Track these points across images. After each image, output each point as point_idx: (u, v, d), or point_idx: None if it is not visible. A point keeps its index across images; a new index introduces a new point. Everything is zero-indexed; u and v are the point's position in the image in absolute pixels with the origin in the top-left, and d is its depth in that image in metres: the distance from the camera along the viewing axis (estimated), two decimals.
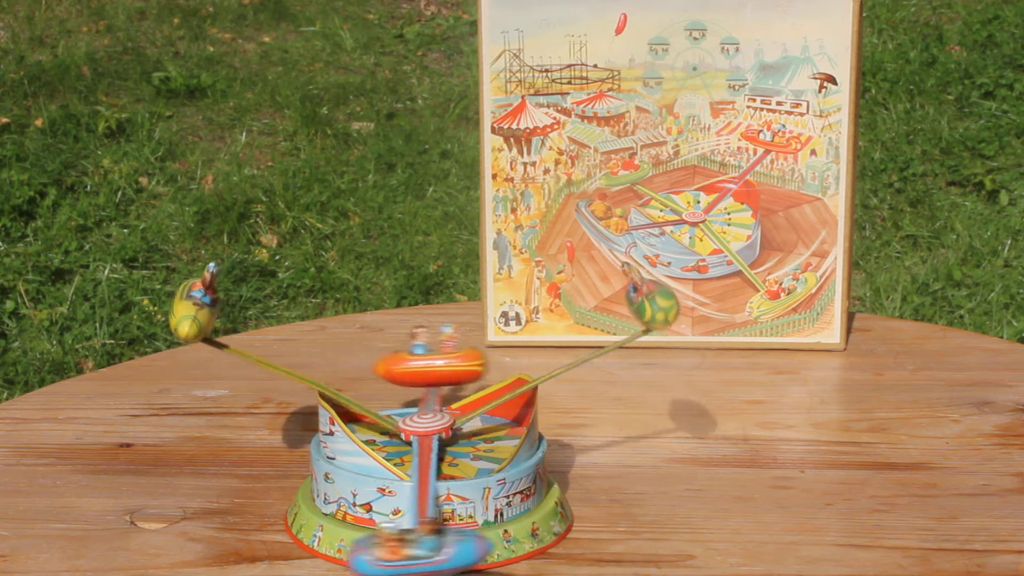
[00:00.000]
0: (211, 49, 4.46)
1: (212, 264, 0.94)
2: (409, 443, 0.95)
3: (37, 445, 1.09)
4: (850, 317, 1.33)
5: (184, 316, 0.90)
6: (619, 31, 1.24)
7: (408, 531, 0.80)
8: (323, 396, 0.96)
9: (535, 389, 0.99)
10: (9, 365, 2.76)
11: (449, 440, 0.97)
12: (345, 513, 0.92)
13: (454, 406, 1.00)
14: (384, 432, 0.98)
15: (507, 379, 1.02)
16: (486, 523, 0.91)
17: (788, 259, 1.27)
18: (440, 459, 0.95)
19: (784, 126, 1.25)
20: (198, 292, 0.92)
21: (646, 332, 0.96)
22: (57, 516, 0.97)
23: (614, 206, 1.27)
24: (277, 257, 3.23)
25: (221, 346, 0.97)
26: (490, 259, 1.29)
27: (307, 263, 3.20)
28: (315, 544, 0.92)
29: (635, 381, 1.21)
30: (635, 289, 0.95)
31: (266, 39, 4.59)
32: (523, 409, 1.01)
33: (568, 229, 1.28)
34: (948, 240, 3.29)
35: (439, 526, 0.81)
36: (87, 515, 0.98)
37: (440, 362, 1.01)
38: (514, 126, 1.26)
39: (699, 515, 0.97)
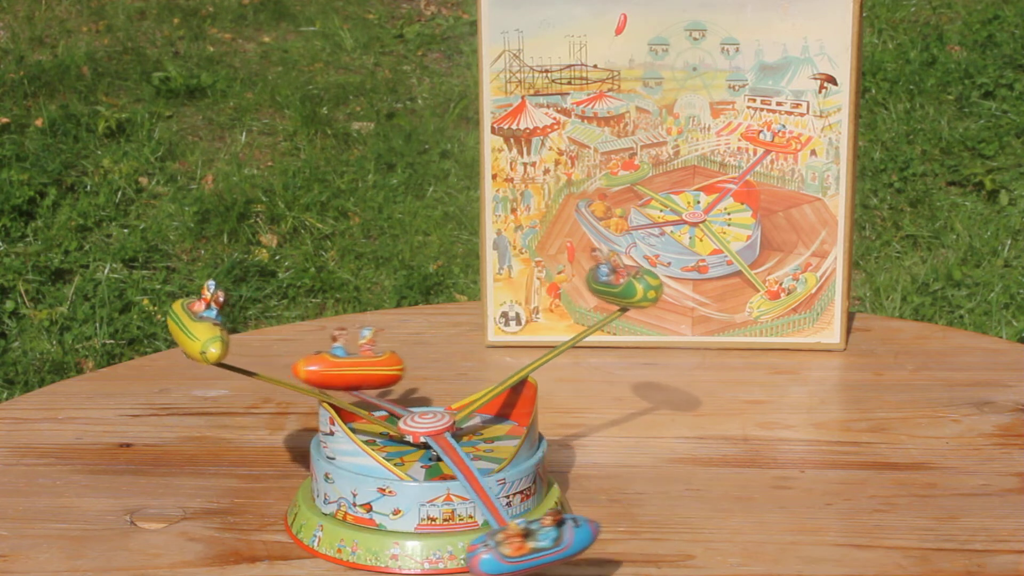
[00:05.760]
0: (211, 49, 4.46)
1: (211, 282, 0.91)
2: (414, 444, 0.95)
3: (37, 445, 1.09)
4: (850, 317, 1.33)
5: (211, 339, 0.86)
6: (619, 31, 1.24)
7: (529, 525, 0.82)
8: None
9: (535, 390, 1.00)
10: (9, 365, 2.76)
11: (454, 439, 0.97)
12: (345, 513, 0.92)
13: (454, 406, 1.00)
14: (384, 432, 0.98)
15: (507, 379, 1.02)
16: (486, 523, 0.91)
17: (788, 259, 1.27)
18: (439, 459, 0.95)
19: (784, 126, 1.25)
20: (211, 312, 0.88)
21: (624, 311, 0.98)
22: (57, 516, 0.97)
23: (614, 206, 1.27)
24: (277, 257, 3.23)
25: (250, 374, 0.93)
26: (490, 259, 1.29)
27: (307, 263, 3.20)
28: (315, 544, 0.92)
29: (635, 381, 1.21)
30: (613, 271, 0.97)
31: (266, 39, 4.59)
32: (523, 409, 1.01)
33: (568, 229, 1.28)
34: (948, 240, 3.29)
35: (558, 516, 0.83)
36: (87, 515, 0.98)
37: (359, 366, 1.00)
38: (514, 126, 1.26)
39: (699, 515, 0.97)
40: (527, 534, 0.82)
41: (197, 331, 0.86)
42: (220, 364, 0.88)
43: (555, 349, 1.01)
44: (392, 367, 1.02)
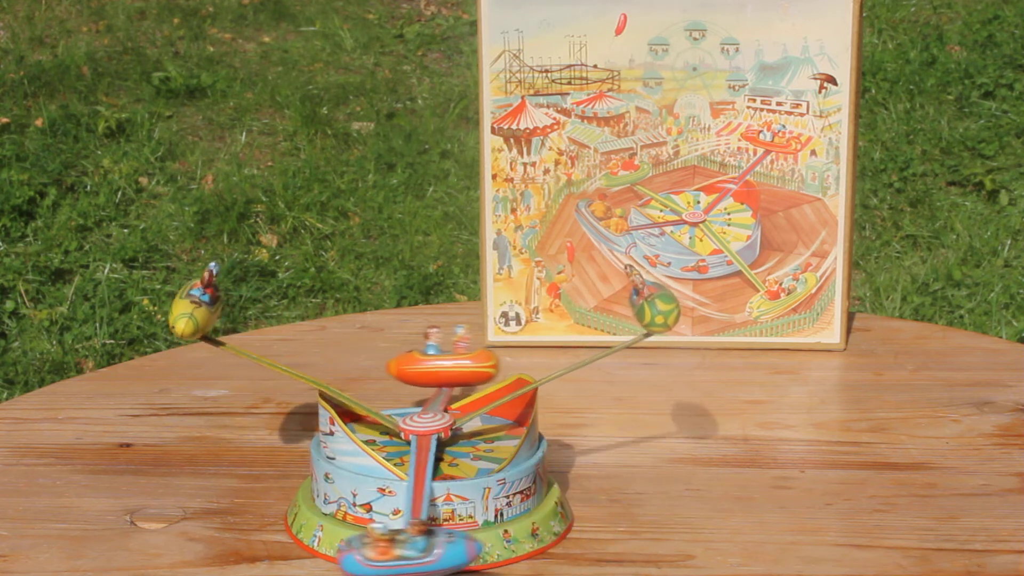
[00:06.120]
0: (211, 49, 4.46)
1: (213, 263, 0.95)
2: (408, 442, 0.95)
3: (37, 445, 1.09)
4: (850, 317, 1.33)
5: (181, 314, 0.91)
6: (619, 31, 1.24)
7: (398, 531, 0.80)
8: (323, 396, 0.96)
9: (535, 390, 1.00)
10: (9, 365, 2.76)
11: (449, 441, 0.97)
12: (345, 513, 0.92)
13: (454, 406, 1.00)
14: (384, 432, 0.98)
15: (507, 379, 1.02)
16: (486, 523, 0.91)
17: (788, 259, 1.27)
18: (439, 459, 0.95)
19: (784, 126, 1.25)
20: (197, 291, 0.93)
21: (647, 335, 0.95)
22: (57, 516, 0.97)
23: (614, 206, 1.27)
24: (277, 257, 3.23)
25: (219, 343, 0.97)
26: (490, 259, 1.29)
27: (307, 263, 3.20)
28: (315, 544, 0.92)
29: (635, 381, 1.21)
30: (636, 292, 0.95)
31: (266, 39, 4.59)
32: (523, 409, 1.01)
33: (568, 229, 1.28)
34: (948, 240, 3.29)
35: (429, 527, 0.81)
36: (87, 515, 0.98)
37: (451, 363, 1.01)
38: (514, 126, 1.26)
39: (699, 515, 0.97)
40: (393, 540, 0.80)
41: (177, 307, 0.92)
42: (203, 339, 0.94)
43: (578, 363, 0.99)
44: (484, 364, 1.01)
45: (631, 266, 0.97)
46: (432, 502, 0.90)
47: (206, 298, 0.93)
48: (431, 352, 1.02)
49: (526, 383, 1.00)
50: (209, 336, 0.95)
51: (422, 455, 0.92)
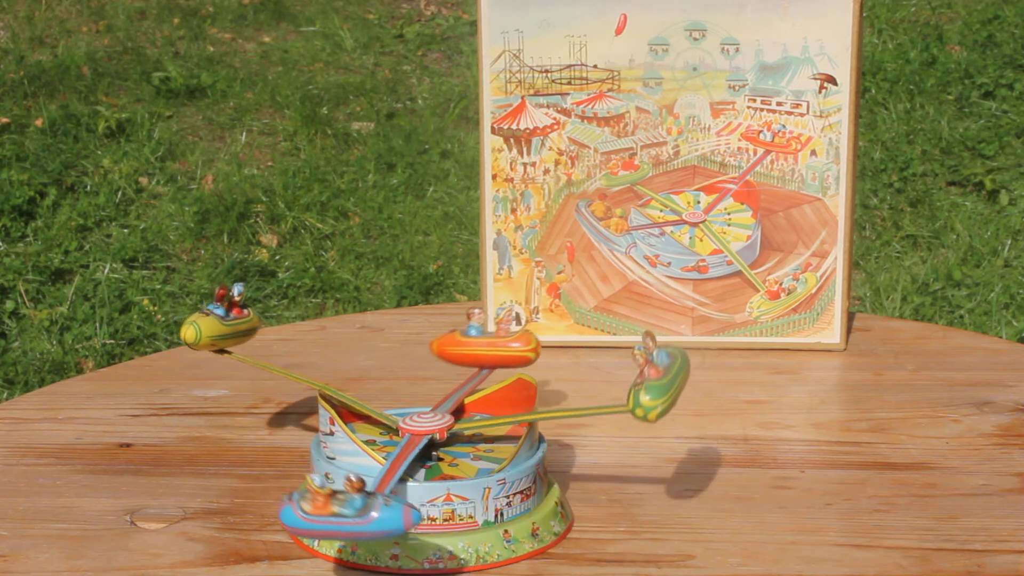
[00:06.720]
0: (211, 49, 4.46)
1: (237, 285, 1.06)
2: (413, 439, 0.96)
3: (37, 445, 1.09)
4: (850, 317, 1.33)
5: (188, 321, 1.03)
6: (619, 31, 1.24)
7: (337, 490, 0.80)
8: (323, 396, 0.96)
9: (535, 390, 1.00)
10: (9, 365, 2.76)
11: (446, 442, 0.97)
12: None
13: (467, 425, 0.99)
14: (384, 432, 0.98)
15: (507, 380, 1.02)
16: (486, 523, 0.91)
17: (788, 259, 1.27)
18: (439, 459, 0.95)
19: (784, 126, 1.25)
20: (213, 304, 1.04)
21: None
22: (57, 516, 0.97)
23: (614, 206, 1.27)
24: (277, 257, 3.24)
25: (225, 351, 1.05)
26: (490, 259, 1.29)
27: (307, 263, 3.20)
28: (315, 544, 0.92)
29: None
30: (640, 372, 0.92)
31: (266, 39, 4.59)
32: (524, 410, 1.01)
33: (568, 229, 1.28)
34: (948, 240, 3.29)
35: (367, 489, 0.81)
36: (87, 515, 0.98)
37: (494, 345, 1.03)
38: (514, 126, 1.26)
39: (699, 515, 0.97)
40: (331, 496, 0.80)
41: (191, 315, 1.04)
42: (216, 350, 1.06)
43: (558, 413, 0.96)
44: (525, 347, 1.03)
45: (641, 346, 0.92)
46: (431, 501, 0.90)
47: (218, 311, 1.04)
48: (473, 334, 1.04)
49: (526, 384, 1.00)
50: (222, 349, 1.04)
51: (408, 447, 0.92)
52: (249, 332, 1.08)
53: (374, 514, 0.80)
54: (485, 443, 0.98)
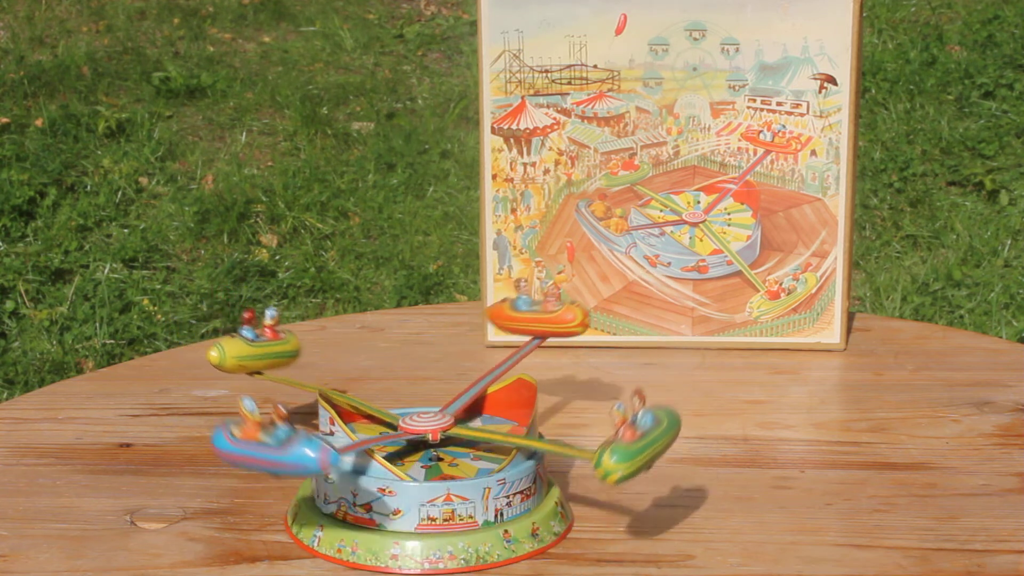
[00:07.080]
0: (211, 49, 4.46)
1: (270, 309, 1.06)
2: (406, 441, 0.96)
3: (37, 445, 1.09)
4: (850, 317, 1.33)
5: (215, 343, 1.02)
6: (619, 31, 1.24)
7: (267, 419, 0.83)
8: (323, 396, 0.96)
9: (535, 390, 1.00)
10: (9, 365, 2.76)
11: (441, 443, 0.97)
12: (345, 513, 0.92)
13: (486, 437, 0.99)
14: (385, 433, 0.98)
15: (507, 380, 1.02)
16: (486, 523, 0.91)
17: (788, 259, 1.27)
18: (439, 459, 0.95)
19: (784, 126, 1.25)
20: (243, 328, 1.04)
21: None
22: (57, 516, 0.97)
23: (614, 206, 1.27)
24: (277, 257, 3.24)
25: (257, 373, 1.05)
26: (490, 259, 1.29)
27: (307, 263, 3.20)
28: (315, 544, 0.92)
29: (635, 381, 1.21)
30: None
31: (266, 39, 4.59)
32: (523, 410, 1.01)
33: (568, 229, 1.28)
34: (948, 240, 3.29)
35: (287, 416, 0.84)
36: (87, 515, 0.98)
37: (542, 314, 1.06)
38: (514, 126, 1.26)
39: (699, 515, 0.97)
40: (258, 424, 0.83)
41: (221, 339, 1.03)
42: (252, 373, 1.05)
43: (520, 440, 0.95)
44: (571, 323, 1.05)
45: (621, 405, 0.90)
46: (431, 501, 0.90)
47: (248, 334, 1.04)
48: (522, 307, 1.07)
49: (526, 384, 1.00)
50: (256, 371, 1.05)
51: (393, 435, 0.94)
52: (284, 356, 1.06)
53: (292, 448, 0.83)
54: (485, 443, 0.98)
